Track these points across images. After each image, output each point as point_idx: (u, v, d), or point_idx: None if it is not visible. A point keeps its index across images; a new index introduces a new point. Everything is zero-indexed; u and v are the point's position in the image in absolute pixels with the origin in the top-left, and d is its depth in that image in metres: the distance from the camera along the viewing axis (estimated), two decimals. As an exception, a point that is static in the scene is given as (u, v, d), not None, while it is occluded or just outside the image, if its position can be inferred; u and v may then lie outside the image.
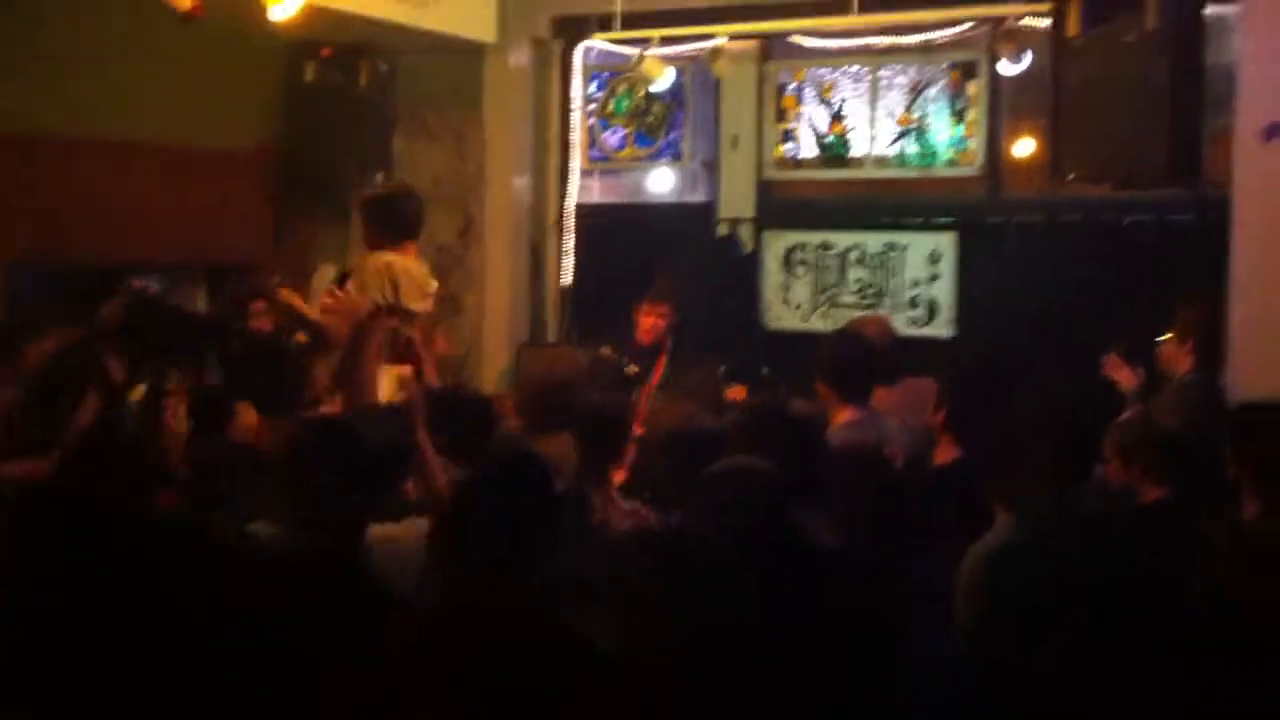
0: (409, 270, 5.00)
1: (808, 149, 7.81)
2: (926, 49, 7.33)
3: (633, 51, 6.93)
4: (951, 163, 7.40)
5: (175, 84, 6.34)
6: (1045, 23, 6.20)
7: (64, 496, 3.38)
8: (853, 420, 4.61)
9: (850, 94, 7.66)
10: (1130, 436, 4.03)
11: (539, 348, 7.54)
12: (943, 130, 7.41)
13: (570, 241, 7.97)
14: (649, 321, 6.23)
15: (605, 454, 4.11)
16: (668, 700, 2.57)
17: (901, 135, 7.52)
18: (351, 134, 6.90)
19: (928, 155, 7.45)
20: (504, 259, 7.51)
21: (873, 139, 7.59)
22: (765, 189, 7.85)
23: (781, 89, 7.84)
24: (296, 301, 5.06)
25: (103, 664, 2.41)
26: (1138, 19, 5.82)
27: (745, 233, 7.82)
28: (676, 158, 8.21)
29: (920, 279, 7.29)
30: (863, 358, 4.86)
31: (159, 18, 5.22)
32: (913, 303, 7.30)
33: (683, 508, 3.55)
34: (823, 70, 7.72)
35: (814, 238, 7.61)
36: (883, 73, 7.56)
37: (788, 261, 7.69)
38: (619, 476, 4.19)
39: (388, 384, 4.62)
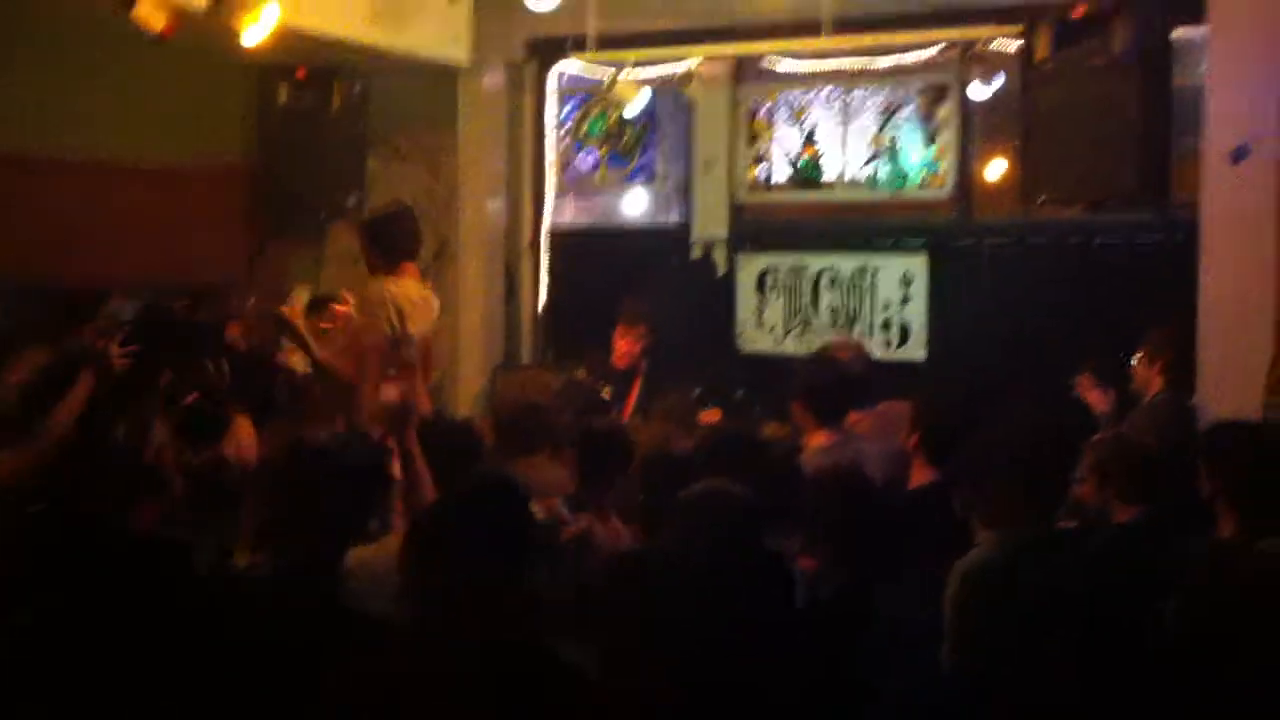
0: (409, 295, 5.00)
1: (780, 172, 7.84)
2: (898, 72, 7.38)
3: (606, 74, 6.95)
4: (923, 185, 7.44)
5: (149, 105, 6.34)
6: (1015, 46, 6.26)
7: (40, 501, 3.36)
8: (828, 444, 4.62)
9: (822, 117, 7.70)
10: (1104, 457, 4.06)
11: (514, 370, 7.53)
12: (914, 153, 7.46)
13: (545, 264, 7.98)
14: (625, 344, 6.24)
15: (603, 477, 4.09)
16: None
17: (873, 158, 7.57)
18: (325, 156, 6.91)
19: (899, 178, 7.49)
20: (478, 281, 7.51)
21: (845, 162, 7.63)
22: (738, 211, 7.88)
23: (754, 112, 7.88)
24: (300, 329, 5.02)
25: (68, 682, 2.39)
26: (1106, 43, 5.90)
27: (719, 255, 7.84)
28: (650, 180, 8.23)
29: (892, 302, 7.32)
30: (837, 381, 4.88)
31: (133, 40, 5.22)
32: (885, 325, 7.33)
33: (658, 531, 3.54)
34: (795, 93, 7.76)
35: (787, 260, 7.64)
36: (854, 95, 7.61)
37: (761, 284, 7.71)
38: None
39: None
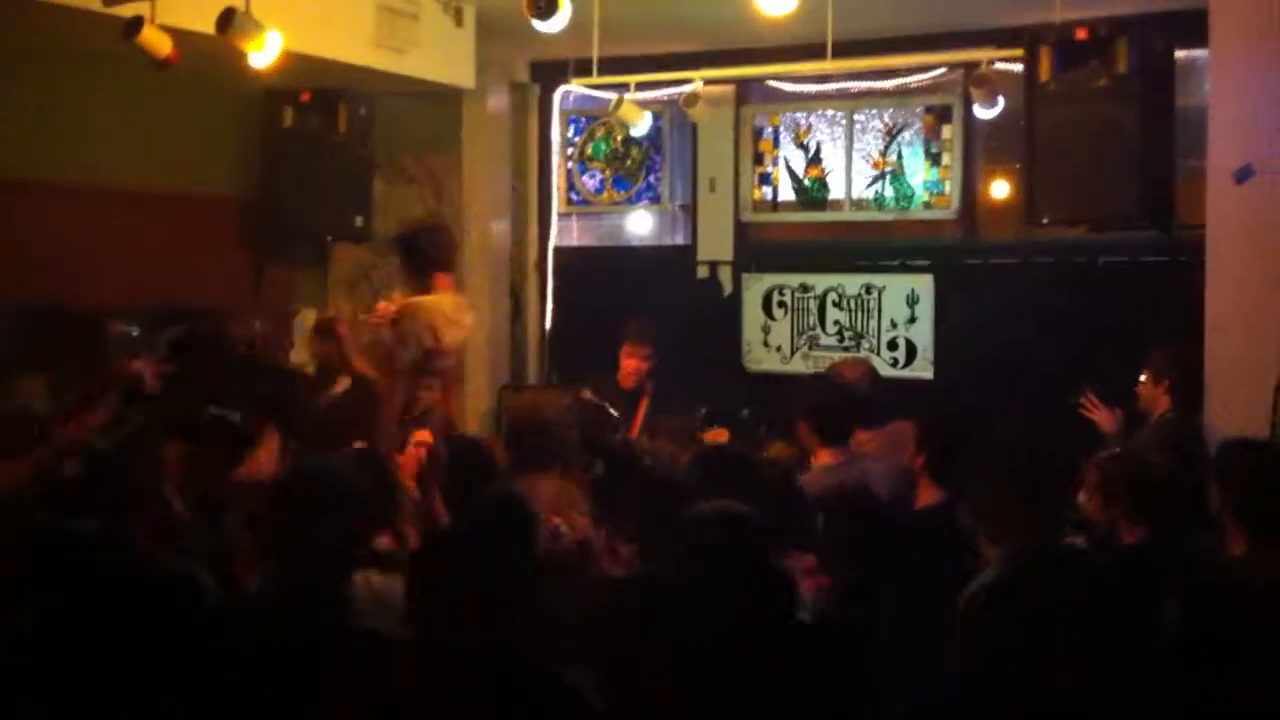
0: (441, 307, 5.04)
1: (785, 192, 7.85)
2: (901, 93, 7.41)
3: (610, 96, 6.98)
4: (928, 205, 7.46)
5: (154, 129, 6.36)
6: (1018, 67, 6.27)
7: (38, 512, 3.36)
8: (834, 463, 4.62)
9: (826, 137, 7.72)
10: (1109, 476, 4.04)
11: (520, 390, 7.54)
12: (918, 173, 7.47)
13: (551, 284, 8.00)
14: (631, 364, 6.24)
15: (617, 495, 4.07)
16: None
17: (877, 178, 7.58)
18: (330, 178, 6.91)
19: (904, 198, 7.50)
20: (484, 302, 7.52)
21: (849, 182, 7.64)
22: (743, 231, 7.90)
23: (758, 132, 7.90)
24: (345, 335, 5.09)
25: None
26: (1109, 63, 5.91)
27: (724, 275, 7.85)
28: (655, 201, 8.25)
29: (899, 321, 7.32)
30: (843, 400, 4.88)
31: (137, 64, 5.24)
32: (892, 344, 7.33)
33: (655, 550, 3.52)
34: (798, 114, 7.79)
35: (792, 280, 7.64)
36: (858, 116, 7.63)
37: (767, 304, 7.71)
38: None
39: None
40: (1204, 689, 2.81)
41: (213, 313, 6.42)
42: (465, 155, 7.64)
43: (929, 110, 7.44)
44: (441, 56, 6.97)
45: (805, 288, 7.61)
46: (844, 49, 6.23)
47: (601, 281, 7.98)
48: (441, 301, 5.08)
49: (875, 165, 7.56)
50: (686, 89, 7.21)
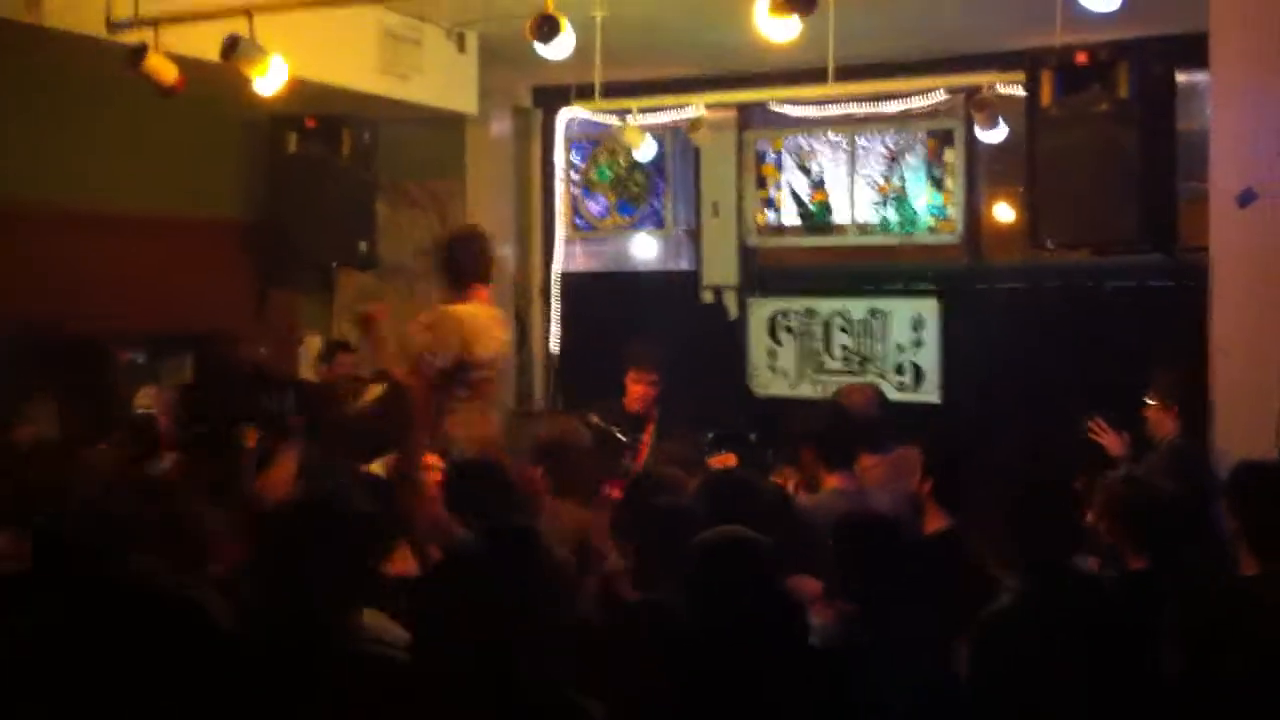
0: (476, 318, 4.96)
1: (789, 216, 7.87)
2: (904, 117, 7.43)
3: (613, 121, 7.00)
4: (932, 230, 7.47)
5: (160, 155, 6.37)
6: (1019, 91, 6.29)
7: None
8: (840, 488, 4.61)
9: (829, 161, 7.74)
10: (1116, 502, 4.03)
11: (526, 415, 7.53)
12: (921, 197, 7.49)
13: (556, 309, 8.01)
14: (639, 389, 6.22)
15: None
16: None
17: (881, 202, 7.60)
18: (334, 203, 6.92)
19: (908, 222, 7.52)
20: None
21: (853, 206, 7.66)
22: (748, 256, 7.91)
23: (761, 156, 7.92)
24: (382, 334, 5.02)
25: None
26: (1110, 87, 5.93)
27: (729, 299, 7.86)
28: (659, 225, 8.26)
29: (905, 345, 7.32)
30: (847, 425, 4.87)
31: (143, 90, 5.26)
32: (899, 369, 7.33)
33: (669, 577, 3.51)
34: (801, 138, 7.81)
35: (798, 304, 7.65)
36: (861, 141, 7.65)
37: (773, 328, 7.71)
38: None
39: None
40: (1213, 709, 2.80)
41: (218, 337, 6.42)
42: (469, 180, 7.67)
43: (931, 134, 7.46)
44: (445, 82, 7.00)
45: (810, 312, 7.62)
46: (846, 73, 6.24)
47: (607, 306, 7.98)
48: (477, 312, 5.01)
49: (880, 190, 7.58)
50: (689, 113, 7.24)
